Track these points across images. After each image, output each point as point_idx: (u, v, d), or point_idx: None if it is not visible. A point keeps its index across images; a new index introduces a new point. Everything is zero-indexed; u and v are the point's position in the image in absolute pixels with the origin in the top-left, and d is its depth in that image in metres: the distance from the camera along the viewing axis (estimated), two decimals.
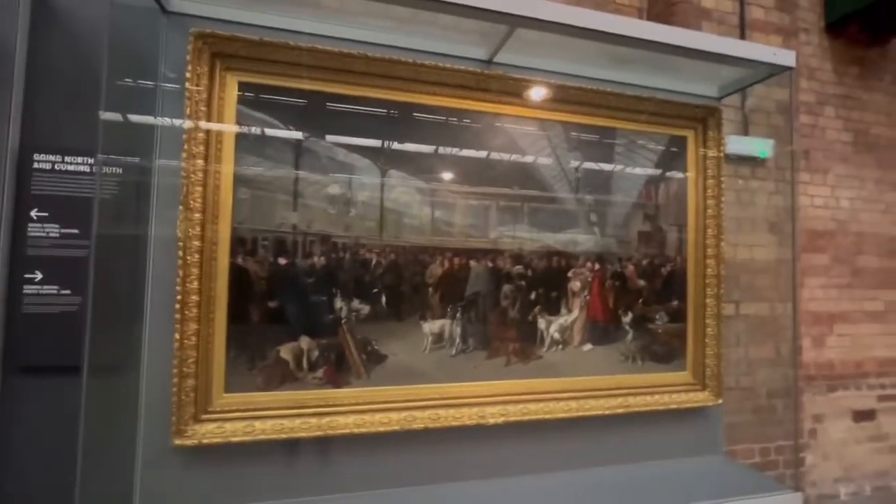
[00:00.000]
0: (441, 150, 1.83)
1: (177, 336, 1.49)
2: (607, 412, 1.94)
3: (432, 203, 1.83)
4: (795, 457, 2.34)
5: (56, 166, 1.52)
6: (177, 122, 1.54)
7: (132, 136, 1.57)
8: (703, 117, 2.15)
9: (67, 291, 1.52)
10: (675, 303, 2.12)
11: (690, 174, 2.16)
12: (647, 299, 2.09)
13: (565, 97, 1.93)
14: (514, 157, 1.92)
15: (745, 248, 2.40)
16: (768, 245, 2.44)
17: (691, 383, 2.12)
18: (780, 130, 2.43)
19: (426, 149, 1.81)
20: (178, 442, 1.49)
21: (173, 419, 1.48)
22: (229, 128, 1.59)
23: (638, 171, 2.11)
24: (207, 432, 1.53)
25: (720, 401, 2.11)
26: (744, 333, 2.40)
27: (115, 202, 1.55)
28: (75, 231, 1.53)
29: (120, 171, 1.56)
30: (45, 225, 1.51)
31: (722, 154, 2.15)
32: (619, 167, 2.08)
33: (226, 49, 1.58)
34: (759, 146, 2.38)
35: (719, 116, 2.15)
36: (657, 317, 2.10)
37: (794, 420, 2.40)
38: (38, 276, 1.50)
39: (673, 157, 2.15)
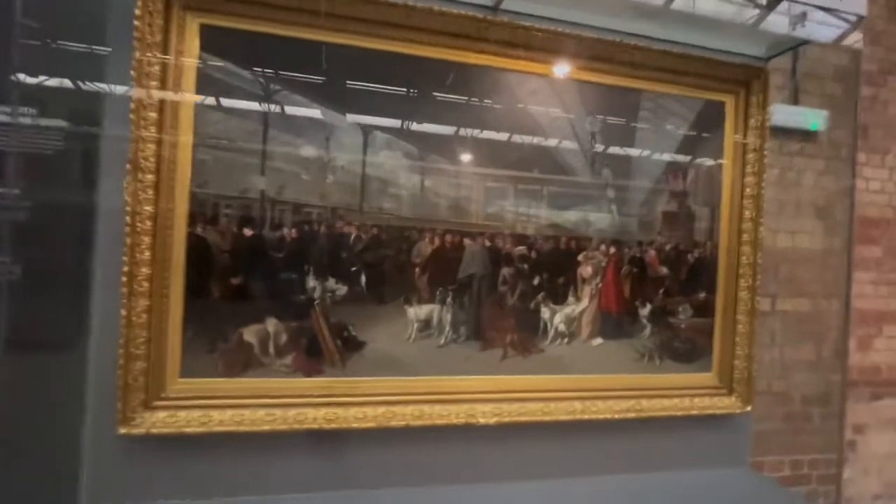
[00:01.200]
0: (434, 109, 1.59)
1: (123, 313, 1.32)
2: (617, 416, 1.70)
3: (422, 170, 1.60)
4: (838, 472, 2.07)
5: None
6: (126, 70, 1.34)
7: (72, 83, 1.38)
8: (747, 80, 1.84)
9: (6, 259, 1.35)
10: (703, 295, 1.85)
11: (728, 146, 1.86)
12: (669, 289, 1.82)
13: (580, 51, 1.65)
14: (519, 119, 1.66)
15: (787, 234, 2.10)
16: (814, 232, 2.13)
17: (716, 387, 1.85)
18: (836, 101, 2.09)
19: (415, 109, 1.57)
20: (123, 430, 1.33)
21: (119, 405, 1.32)
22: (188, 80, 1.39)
23: (665, 141, 1.82)
24: (158, 421, 1.36)
25: (749, 408, 1.85)
26: (780, 332, 2.11)
27: (59, 160, 1.37)
28: (15, 192, 1.35)
29: (66, 124, 1.38)
30: None
31: (767, 124, 1.84)
32: (642, 136, 1.80)
33: None
34: (810, 117, 2.05)
35: (766, 79, 1.84)
36: (680, 310, 1.84)
37: (839, 429, 2.12)
38: None
39: (708, 125, 1.85)
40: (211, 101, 1.42)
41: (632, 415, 1.71)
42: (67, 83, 1.39)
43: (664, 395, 1.78)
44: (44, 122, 1.35)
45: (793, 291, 2.13)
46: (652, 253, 1.81)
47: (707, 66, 1.78)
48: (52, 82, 1.38)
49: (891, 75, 2.51)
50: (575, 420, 1.66)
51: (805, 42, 1.65)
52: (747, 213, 1.85)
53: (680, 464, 1.81)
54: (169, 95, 1.36)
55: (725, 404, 1.84)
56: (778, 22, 1.67)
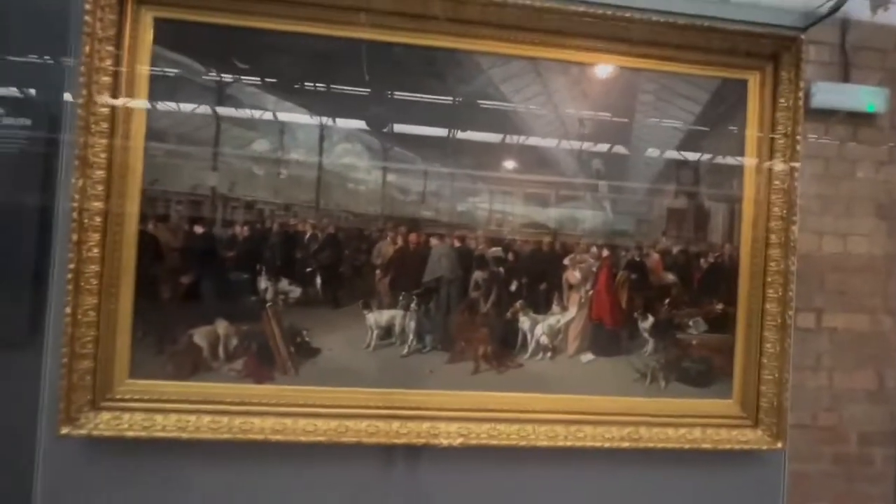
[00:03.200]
0: (396, 96, 1.46)
1: (68, 311, 1.30)
2: (608, 444, 1.47)
3: (384, 166, 1.47)
4: None
5: None
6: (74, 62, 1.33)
7: (26, 80, 1.40)
8: (775, 53, 1.56)
9: None
10: (720, 307, 1.57)
11: (750, 131, 1.57)
12: (676, 299, 1.56)
13: (564, 27, 1.46)
14: (492, 103, 1.50)
15: (836, 237, 1.74)
16: (873, 234, 1.75)
17: (738, 416, 1.56)
18: None
19: (376, 97, 1.45)
20: (64, 430, 1.30)
21: (61, 405, 1.30)
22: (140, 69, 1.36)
23: (670, 126, 1.57)
24: (101, 423, 1.32)
25: (780, 444, 1.53)
26: (828, 354, 1.75)
27: (18, 160, 1.38)
28: None
29: (28, 122, 1.39)
30: None
31: (800, 104, 1.54)
32: (642, 122, 1.56)
33: None
34: (865, 96, 1.70)
35: (798, 51, 1.54)
36: (691, 324, 1.57)
37: None
38: None
39: (726, 108, 1.58)
40: (163, 95, 1.38)
41: (626, 444, 1.47)
42: (22, 84, 1.41)
43: (669, 423, 1.52)
44: (3, 122, 1.37)
45: (845, 305, 1.77)
46: (655, 257, 1.56)
47: (722, 37, 1.52)
48: (7, 83, 1.41)
49: None
50: (556, 447, 1.44)
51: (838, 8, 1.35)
52: (777, 211, 1.55)
53: None
54: (119, 102, 1.34)
55: (749, 438, 1.54)
56: None
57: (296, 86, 1.43)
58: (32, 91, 1.41)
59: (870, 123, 1.78)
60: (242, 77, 1.42)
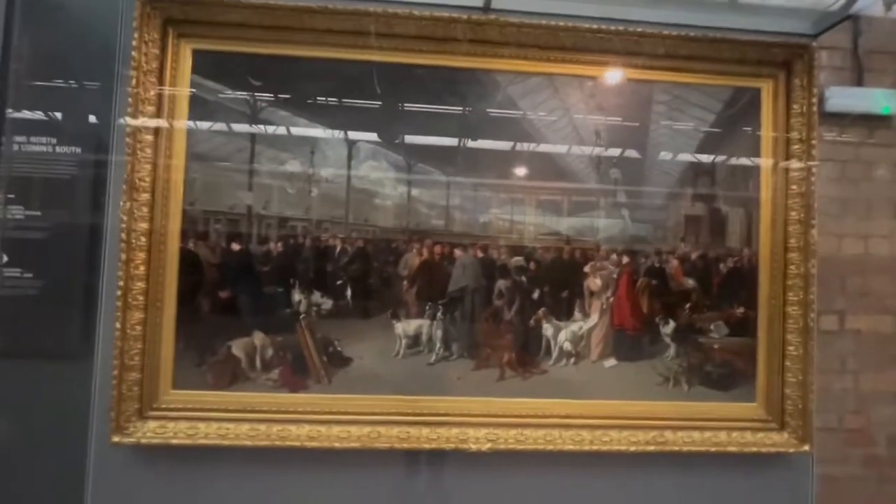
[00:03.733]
0: (417, 112, 1.53)
1: (117, 325, 1.38)
2: (633, 448, 1.49)
3: (409, 181, 1.54)
4: None
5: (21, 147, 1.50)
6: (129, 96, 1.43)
7: (86, 114, 1.51)
8: (787, 61, 1.59)
9: (30, 275, 1.48)
10: (741, 310, 1.59)
11: (765, 137, 1.61)
12: (697, 304, 1.59)
13: (577, 43, 1.52)
14: (508, 113, 1.56)
15: (857, 239, 1.75)
16: (893, 235, 1.76)
17: (763, 419, 1.57)
18: None
19: (399, 115, 1.53)
20: (116, 439, 1.38)
21: (112, 414, 1.37)
22: (180, 90, 1.46)
23: (685, 135, 1.61)
24: (149, 431, 1.40)
25: (807, 447, 1.54)
26: (853, 356, 1.75)
27: (72, 183, 1.49)
28: (37, 213, 1.49)
29: (79, 150, 1.50)
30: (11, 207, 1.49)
31: (814, 109, 1.57)
32: (658, 133, 1.61)
33: (177, 14, 1.44)
34: (879, 99, 1.72)
35: (811, 58, 1.57)
36: (712, 328, 1.59)
37: None
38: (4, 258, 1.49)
39: (739, 116, 1.62)
40: (201, 120, 1.47)
41: (652, 448, 1.49)
42: (74, 113, 1.52)
43: (694, 426, 1.54)
44: (59, 149, 1.48)
45: (868, 307, 1.77)
46: (674, 263, 1.59)
47: (734, 48, 1.56)
48: (59, 111, 1.51)
49: None
50: (582, 451, 1.47)
51: (849, 16, 1.38)
52: (794, 215, 1.57)
53: None
54: (161, 123, 1.43)
55: (775, 441, 1.55)
56: None
57: (323, 106, 1.51)
58: (84, 119, 1.52)
59: (885, 125, 1.79)
60: (275, 100, 1.50)
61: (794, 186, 1.57)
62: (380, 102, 1.52)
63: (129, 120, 1.40)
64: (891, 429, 1.77)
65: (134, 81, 1.40)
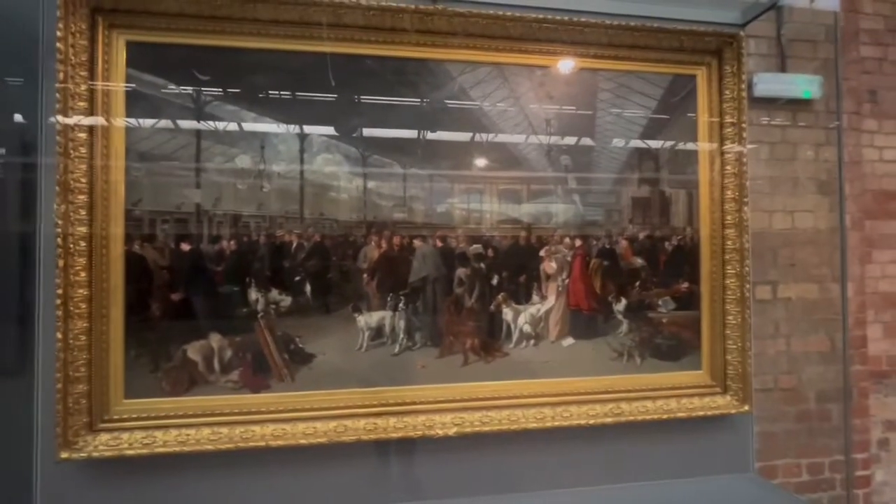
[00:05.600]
0: (369, 103, 1.52)
1: (59, 336, 1.30)
2: (592, 421, 1.57)
3: (364, 173, 1.53)
4: (847, 474, 1.84)
5: None
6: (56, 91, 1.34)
7: (10, 113, 1.40)
8: (718, 49, 1.69)
9: None
10: (685, 285, 1.70)
11: (702, 121, 1.71)
12: (646, 282, 1.68)
13: (524, 33, 1.55)
14: (465, 113, 1.58)
15: (784, 214, 1.90)
16: (817, 210, 1.93)
17: (708, 385, 1.69)
18: (832, 64, 1.90)
19: (351, 107, 1.51)
20: (64, 455, 1.31)
21: (58, 430, 1.30)
22: (115, 86, 1.38)
23: (629, 122, 1.69)
24: (101, 444, 1.34)
25: (747, 407, 1.67)
26: (784, 322, 1.91)
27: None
28: None
29: (3, 151, 1.39)
30: None
31: (744, 94, 1.68)
32: (604, 120, 1.67)
33: (105, 2, 1.36)
34: (801, 84, 1.86)
35: (739, 47, 1.68)
36: (660, 303, 1.69)
37: (845, 428, 1.89)
38: None
39: (678, 102, 1.71)
40: (140, 116, 1.40)
41: (609, 419, 1.58)
42: None
43: (647, 396, 1.64)
44: None
45: (796, 277, 1.93)
46: (623, 243, 1.68)
47: (670, 37, 1.64)
48: None
49: None
50: (545, 428, 1.54)
51: (774, 5, 1.49)
52: (729, 194, 1.69)
53: (671, 472, 1.66)
54: (95, 121, 1.35)
55: (720, 404, 1.68)
56: None
57: (272, 99, 1.48)
58: (8, 118, 1.41)
59: (807, 109, 1.95)
60: (222, 94, 1.45)
61: (728, 167, 1.69)
62: (334, 95, 1.49)
63: (59, 118, 1.31)
64: (819, 385, 1.95)
65: (61, 75, 1.31)
